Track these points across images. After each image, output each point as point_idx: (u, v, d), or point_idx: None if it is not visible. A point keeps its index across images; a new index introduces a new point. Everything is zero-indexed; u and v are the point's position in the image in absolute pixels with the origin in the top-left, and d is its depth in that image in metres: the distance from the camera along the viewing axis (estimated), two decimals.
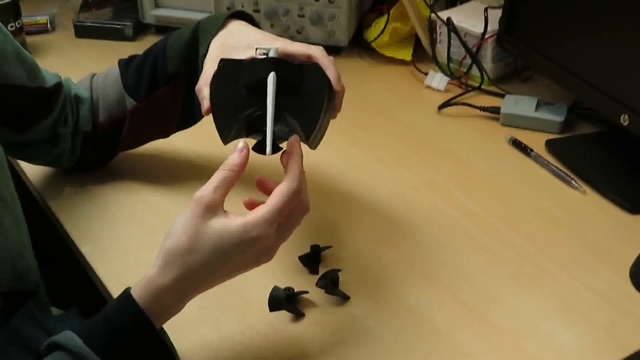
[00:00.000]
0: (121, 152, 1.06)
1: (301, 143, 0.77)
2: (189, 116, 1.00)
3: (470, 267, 0.92)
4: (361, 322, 0.84)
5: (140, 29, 1.54)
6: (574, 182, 1.08)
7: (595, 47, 1.10)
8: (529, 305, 0.87)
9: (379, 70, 1.42)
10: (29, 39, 1.45)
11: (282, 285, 0.85)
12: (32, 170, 1.07)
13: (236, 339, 0.82)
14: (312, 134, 0.79)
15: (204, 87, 0.85)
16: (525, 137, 1.18)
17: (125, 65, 1.00)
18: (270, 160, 0.79)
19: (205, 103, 0.84)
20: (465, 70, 1.36)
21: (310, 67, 0.83)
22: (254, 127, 0.81)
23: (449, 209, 1.02)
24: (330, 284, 0.87)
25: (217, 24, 0.92)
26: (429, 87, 1.35)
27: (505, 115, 1.23)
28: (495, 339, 0.82)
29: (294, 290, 0.85)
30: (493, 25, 1.30)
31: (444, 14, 1.37)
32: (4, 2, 1.35)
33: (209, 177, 1.06)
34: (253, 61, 0.82)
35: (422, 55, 1.43)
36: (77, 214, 1.00)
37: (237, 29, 0.92)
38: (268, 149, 0.77)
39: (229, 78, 0.81)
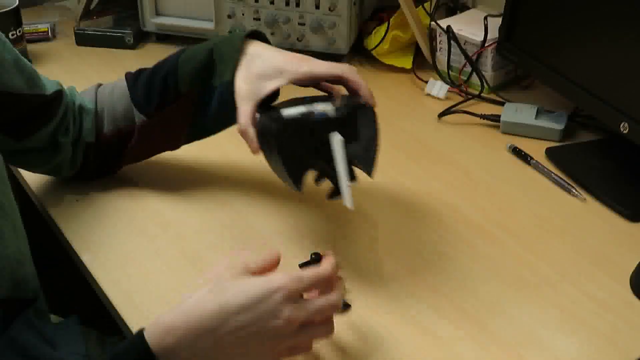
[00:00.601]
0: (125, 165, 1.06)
1: None
2: (198, 131, 1.01)
3: (471, 275, 0.92)
4: (361, 330, 0.84)
5: (141, 37, 1.54)
6: (574, 190, 1.08)
7: (595, 55, 1.11)
8: (529, 313, 0.86)
9: (379, 78, 1.42)
10: (30, 47, 1.45)
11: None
12: (33, 178, 1.07)
13: None
14: (372, 170, 0.86)
15: (248, 128, 0.87)
16: (525, 145, 1.18)
17: (133, 79, 1.00)
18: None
19: (254, 145, 0.88)
20: (465, 78, 1.36)
21: (359, 108, 0.87)
22: (324, 174, 0.88)
23: (449, 217, 1.02)
24: None
25: (234, 48, 0.92)
26: (429, 95, 1.35)
27: (505, 123, 1.23)
28: (495, 348, 0.82)
29: None
30: (493, 34, 1.30)
31: (444, 22, 1.37)
32: (5, 10, 1.35)
33: (209, 184, 1.07)
34: (315, 121, 0.85)
35: (422, 63, 1.43)
36: (78, 222, 1.00)
37: (256, 52, 0.92)
38: (349, 205, 0.83)
39: (293, 135, 0.85)
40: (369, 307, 0.87)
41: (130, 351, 0.70)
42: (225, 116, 0.96)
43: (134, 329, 0.83)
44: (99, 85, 1.04)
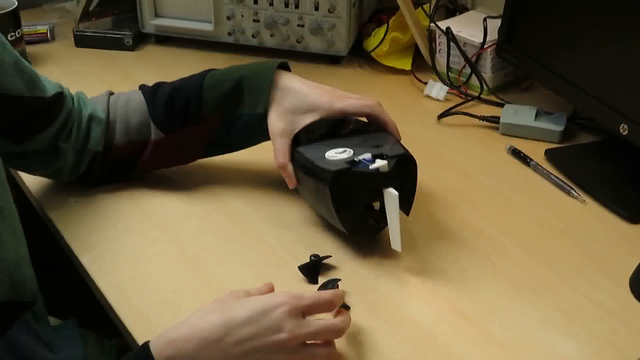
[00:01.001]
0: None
1: None
2: (216, 151, 1.05)
3: (470, 278, 0.92)
4: (360, 332, 0.83)
5: (140, 39, 1.54)
6: (573, 192, 1.08)
7: (594, 57, 1.11)
8: (529, 316, 0.86)
9: (378, 80, 1.42)
10: (29, 49, 1.45)
11: None
12: (32, 181, 1.07)
13: None
14: (409, 209, 0.95)
15: (287, 165, 0.95)
16: (524, 146, 1.18)
17: (151, 94, 1.01)
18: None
19: (293, 181, 0.95)
20: (464, 79, 1.36)
21: (403, 158, 0.92)
22: (370, 215, 0.93)
23: (448, 219, 1.02)
24: None
25: (267, 80, 0.96)
26: (428, 96, 1.35)
27: (505, 125, 1.23)
28: (495, 350, 0.82)
29: None
30: (492, 35, 1.30)
31: (443, 24, 1.37)
32: (4, 11, 1.35)
33: (209, 186, 1.07)
34: (367, 174, 0.90)
35: (422, 65, 1.43)
36: (77, 224, 0.99)
37: (287, 86, 0.97)
38: (399, 249, 0.91)
39: (342, 185, 0.90)
40: (367, 308, 0.87)
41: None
42: (249, 141, 1.03)
43: (133, 331, 0.83)
44: (111, 93, 1.04)
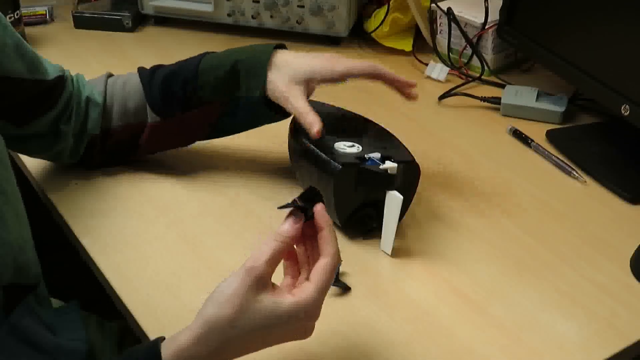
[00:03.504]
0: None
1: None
2: (218, 133, 1.04)
3: (470, 259, 0.92)
4: (361, 313, 0.84)
5: (140, 20, 1.53)
6: (574, 173, 1.08)
7: (595, 38, 1.10)
8: (529, 297, 0.87)
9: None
10: (28, 30, 1.44)
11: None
12: (33, 163, 1.07)
13: None
14: (403, 216, 0.94)
15: (308, 113, 0.92)
16: (525, 127, 1.18)
17: (148, 78, 1.00)
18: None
19: (317, 126, 0.91)
20: (465, 60, 1.35)
21: (409, 164, 0.93)
22: (368, 214, 0.94)
23: (449, 201, 1.02)
24: None
25: (261, 63, 0.95)
26: (429, 77, 1.34)
27: (506, 106, 1.23)
28: (495, 332, 0.82)
29: None
30: (494, 16, 1.29)
31: (444, 4, 1.36)
32: None
33: (208, 168, 1.07)
34: (373, 173, 0.90)
35: (422, 46, 1.42)
36: (78, 207, 0.99)
37: (284, 61, 0.96)
38: (389, 252, 0.92)
39: (348, 179, 0.90)
40: (368, 289, 0.87)
41: None
42: (249, 124, 1.02)
43: (134, 312, 0.84)
44: (109, 75, 1.03)
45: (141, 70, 1.02)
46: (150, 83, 0.99)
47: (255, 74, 0.96)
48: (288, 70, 0.95)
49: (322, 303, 0.71)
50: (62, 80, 0.97)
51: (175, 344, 0.68)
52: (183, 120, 0.99)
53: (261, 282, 0.68)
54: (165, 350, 0.68)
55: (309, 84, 0.95)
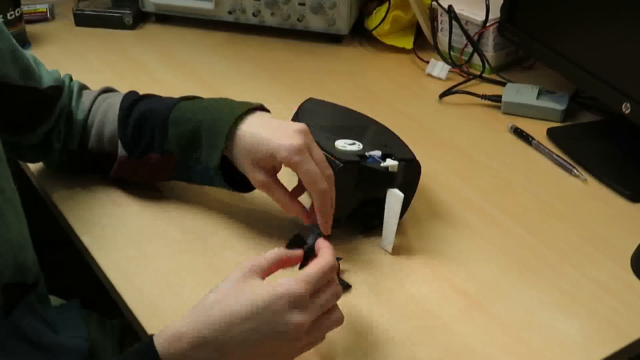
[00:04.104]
0: None
1: None
2: (180, 179, 0.98)
3: (471, 257, 0.92)
4: (362, 311, 0.84)
5: (140, 18, 1.53)
6: (575, 171, 1.08)
7: (596, 37, 1.10)
8: (529, 295, 0.87)
9: (379, 59, 1.42)
10: (29, 28, 1.44)
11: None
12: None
13: None
14: (403, 214, 0.93)
15: (291, 208, 0.89)
16: (526, 125, 1.18)
17: (125, 112, 0.95)
18: None
19: (308, 217, 0.88)
20: (466, 58, 1.35)
21: (410, 162, 0.93)
22: (367, 214, 0.94)
23: (450, 199, 1.02)
24: None
25: (222, 132, 0.88)
26: (430, 75, 1.34)
27: (507, 104, 1.23)
28: (495, 330, 0.82)
29: None
30: (494, 14, 1.29)
31: (445, 2, 1.36)
32: None
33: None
34: (374, 171, 0.90)
35: (423, 44, 1.42)
36: (78, 205, 0.99)
37: (246, 132, 0.87)
38: (389, 250, 0.92)
39: (349, 176, 0.90)
40: (369, 286, 0.87)
41: (139, 355, 0.70)
42: (213, 183, 0.95)
43: (135, 310, 0.84)
44: (103, 91, 1.01)
45: (124, 99, 0.98)
46: (125, 119, 0.96)
47: (214, 143, 0.89)
48: (250, 146, 0.86)
49: (309, 294, 0.71)
50: (57, 90, 0.96)
51: (165, 328, 0.70)
52: (147, 163, 0.96)
53: (251, 273, 0.71)
54: (157, 337, 0.70)
55: (276, 164, 0.86)
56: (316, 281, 0.72)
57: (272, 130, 0.86)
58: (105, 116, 0.97)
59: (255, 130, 0.87)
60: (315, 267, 0.73)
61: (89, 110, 0.98)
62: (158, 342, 0.69)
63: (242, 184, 0.93)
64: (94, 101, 0.99)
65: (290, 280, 0.70)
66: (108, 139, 0.97)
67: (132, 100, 0.97)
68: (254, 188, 0.93)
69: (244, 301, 0.69)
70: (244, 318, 0.69)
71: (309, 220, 0.87)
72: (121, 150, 0.96)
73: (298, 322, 0.69)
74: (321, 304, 0.72)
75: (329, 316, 0.74)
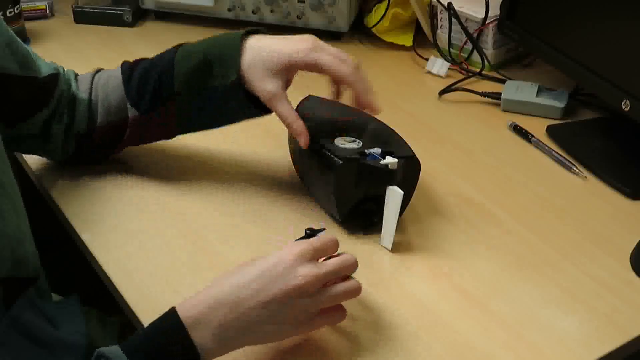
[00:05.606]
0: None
1: None
2: (192, 126, 1.01)
3: (471, 255, 0.92)
4: (361, 309, 0.84)
5: (140, 15, 1.53)
6: (574, 168, 1.08)
7: (596, 33, 1.10)
8: (529, 293, 0.87)
9: (379, 56, 1.42)
10: (28, 25, 1.44)
11: None
12: (33, 159, 1.06)
13: None
14: (403, 211, 0.94)
15: (293, 123, 0.91)
16: (526, 123, 1.18)
17: (128, 72, 0.98)
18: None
19: (305, 138, 0.91)
20: (466, 55, 1.35)
21: (409, 159, 0.92)
22: (368, 210, 0.93)
23: (449, 197, 1.02)
24: None
25: (234, 47, 0.92)
26: (429, 72, 1.34)
27: (506, 101, 1.23)
28: (495, 327, 0.82)
29: None
30: (494, 11, 1.29)
31: None
32: None
33: (209, 164, 1.07)
34: (374, 168, 0.90)
35: (423, 41, 1.42)
36: (77, 202, 0.99)
37: (257, 45, 0.92)
38: (389, 247, 0.92)
39: (349, 174, 0.90)
40: (367, 284, 0.87)
41: (162, 321, 0.72)
42: (228, 115, 0.99)
43: (135, 307, 0.84)
44: (97, 71, 1.02)
45: (123, 64, 1.00)
46: (129, 78, 0.98)
47: (228, 59, 0.92)
48: (263, 56, 0.91)
49: (317, 256, 0.75)
50: (55, 78, 0.96)
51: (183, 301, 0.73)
52: (160, 112, 0.97)
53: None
54: (177, 306, 0.72)
55: (288, 75, 0.92)
56: (318, 244, 0.75)
57: (282, 41, 0.92)
58: (107, 87, 0.99)
59: (265, 43, 0.92)
60: (316, 237, 0.77)
61: (90, 90, 0.99)
62: (179, 310, 0.71)
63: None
64: (92, 80, 1.00)
65: (294, 243, 0.75)
66: (115, 106, 0.98)
67: (133, 62, 1.00)
68: (264, 112, 0.96)
69: (255, 264, 0.73)
70: (257, 275, 0.72)
71: (305, 143, 0.91)
72: (131, 112, 0.97)
73: (308, 273, 0.72)
74: (333, 265, 0.75)
75: (343, 284, 0.76)
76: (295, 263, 0.72)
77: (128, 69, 0.99)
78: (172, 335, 0.70)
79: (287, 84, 0.93)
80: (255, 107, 0.95)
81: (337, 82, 0.96)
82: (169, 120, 0.99)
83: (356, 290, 0.77)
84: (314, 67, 0.91)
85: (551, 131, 1.16)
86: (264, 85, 0.91)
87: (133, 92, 0.97)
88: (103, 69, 1.03)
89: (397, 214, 0.90)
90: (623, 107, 1.04)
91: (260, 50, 0.91)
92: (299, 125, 0.91)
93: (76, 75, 1.02)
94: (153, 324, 0.72)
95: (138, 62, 0.99)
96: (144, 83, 0.96)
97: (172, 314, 0.71)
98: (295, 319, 0.73)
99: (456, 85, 1.29)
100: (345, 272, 0.76)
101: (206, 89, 0.95)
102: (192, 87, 0.95)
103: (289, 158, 1.03)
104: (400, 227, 0.93)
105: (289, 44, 0.91)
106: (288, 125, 0.92)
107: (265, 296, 0.71)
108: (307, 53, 0.90)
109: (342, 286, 0.75)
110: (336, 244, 0.78)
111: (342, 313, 0.77)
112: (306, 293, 0.72)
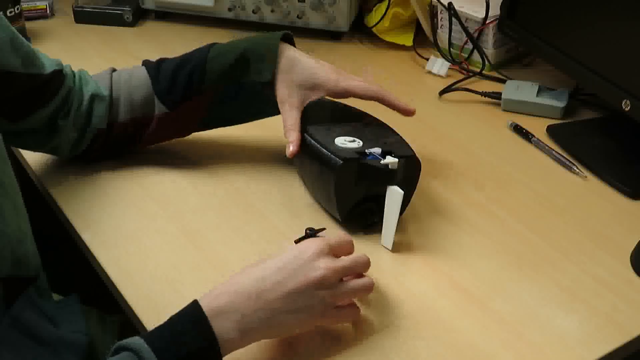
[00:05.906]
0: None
1: None
2: (213, 123, 1.05)
3: (471, 254, 0.92)
4: (362, 308, 0.84)
5: (140, 15, 1.53)
6: (575, 168, 1.08)
7: (596, 33, 1.10)
8: (529, 292, 0.87)
9: (379, 56, 1.42)
10: (28, 25, 1.44)
11: None
12: (33, 157, 1.06)
13: None
14: (404, 210, 0.94)
15: (291, 131, 0.96)
16: (526, 122, 1.18)
17: (155, 69, 1.01)
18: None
19: (295, 149, 0.95)
20: (466, 55, 1.35)
21: (410, 159, 0.93)
22: (369, 209, 0.94)
23: (450, 196, 1.02)
24: None
25: (273, 49, 0.98)
26: (429, 72, 1.34)
27: (507, 101, 1.23)
28: (495, 326, 0.82)
29: None
30: (494, 11, 1.29)
31: None
32: None
33: (209, 162, 1.07)
34: (374, 168, 0.90)
35: (423, 41, 1.42)
36: (78, 201, 0.99)
37: (294, 57, 0.98)
38: (389, 247, 0.92)
39: (349, 174, 0.90)
40: None
41: (185, 313, 0.73)
42: (250, 112, 1.04)
43: (134, 306, 0.84)
44: (113, 70, 1.03)
45: (147, 62, 1.03)
46: (157, 75, 1.00)
47: (265, 59, 0.97)
48: (297, 70, 0.97)
49: (333, 253, 0.77)
50: (59, 75, 0.97)
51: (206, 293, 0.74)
52: (186, 108, 1.00)
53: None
54: (200, 299, 0.74)
55: (309, 93, 0.98)
56: (336, 243, 0.79)
57: (316, 63, 0.99)
58: (130, 83, 1.01)
59: (302, 57, 0.99)
60: (336, 237, 0.80)
61: (111, 86, 1.00)
62: (201, 301, 0.73)
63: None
64: (111, 77, 1.01)
65: (313, 239, 0.79)
66: (139, 103, 1.00)
67: (158, 61, 1.03)
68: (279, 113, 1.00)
69: (275, 258, 0.76)
70: (278, 268, 0.74)
71: (290, 153, 0.95)
72: (159, 108, 1.00)
73: (327, 266, 0.75)
74: (349, 261, 0.78)
75: (358, 280, 0.79)
76: (314, 257, 0.75)
77: (154, 66, 1.01)
78: (194, 324, 0.71)
79: (305, 101, 0.98)
80: (275, 107, 1.00)
81: (367, 99, 1.01)
82: (195, 116, 1.02)
83: (370, 287, 0.80)
84: (343, 95, 0.99)
85: (551, 131, 1.16)
86: (286, 91, 0.97)
87: (163, 89, 0.99)
88: (116, 69, 1.04)
89: (398, 214, 0.90)
90: (623, 106, 1.04)
91: (296, 61, 0.98)
92: (294, 136, 0.95)
93: (81, 71, 1.02)
94: (175, 315, 0.73)
95: (161, 61, 1.02)
96: (174, 80, 0.99)
97: (194, 304, 0.72)
98: (313, 309, 0.75)
99: (456, 85, 1.29)
100: (359, 270, 0.79)
101: (238, 84, 0.99)
102: (226, 82, 0.99)
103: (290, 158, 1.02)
104: (400, 226, 0.93)
105: (323, 68, 0.98)
106: (285, 131, 0.96)
107: (286, 287, 0.73)
108: (336, 83, 0.98)
109: (357, 282, 0.78)
110: (351, 245, 0.80)
111: (356, 310, 0.80)
112: (325, 285, 0.75)
